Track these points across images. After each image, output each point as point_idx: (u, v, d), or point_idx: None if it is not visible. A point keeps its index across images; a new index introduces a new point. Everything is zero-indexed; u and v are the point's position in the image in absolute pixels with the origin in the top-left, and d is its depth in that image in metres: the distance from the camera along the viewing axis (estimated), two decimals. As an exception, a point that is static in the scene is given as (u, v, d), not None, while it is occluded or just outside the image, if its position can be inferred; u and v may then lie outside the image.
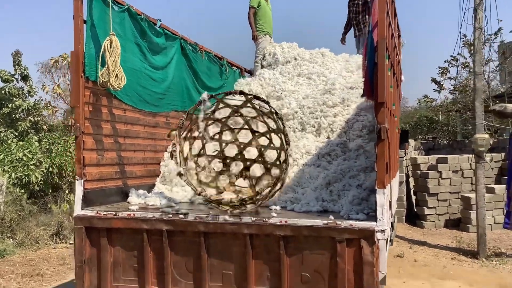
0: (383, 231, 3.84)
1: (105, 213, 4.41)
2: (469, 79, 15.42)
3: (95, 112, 4.83)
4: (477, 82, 8.98)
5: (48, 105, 18.67)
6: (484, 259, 8.53)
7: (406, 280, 7.36)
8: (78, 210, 4.47)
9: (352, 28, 10.28)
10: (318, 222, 4.00)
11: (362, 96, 4.68)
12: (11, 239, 9.51)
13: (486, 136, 8.94)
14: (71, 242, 9.91)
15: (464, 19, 9.09)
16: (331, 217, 4.12)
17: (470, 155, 11.36)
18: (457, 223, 11.30)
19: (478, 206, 8.90)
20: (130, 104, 5.35)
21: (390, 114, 4.34)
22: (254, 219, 4.13)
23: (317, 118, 6.57)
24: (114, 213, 4.40)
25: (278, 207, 4.81)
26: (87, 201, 4.58)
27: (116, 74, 4.72)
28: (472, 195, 10.38)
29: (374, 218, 3.94)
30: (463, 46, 13.60)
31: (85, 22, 4.70)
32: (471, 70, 13.64)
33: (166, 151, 6.14)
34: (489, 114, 12.54)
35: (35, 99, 17.90)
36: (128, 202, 5.11)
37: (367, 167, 5.38)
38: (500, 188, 10.93)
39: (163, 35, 6.00)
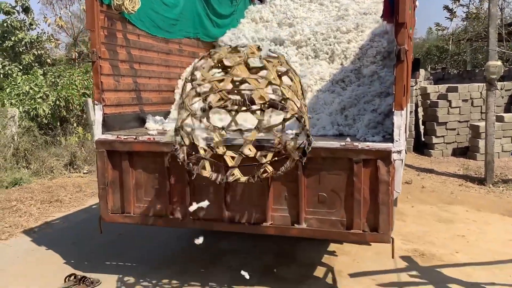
0: (399, 152, 3.91)
1: (125, 137, 4.49)
2: (480, 8, 15.02)
3: (110, 37, 4.79)
4: (491, 8, 8.77)
5: (51, 38, 18.46)
6: (491, 185, 8.71)
7: (414, 204, 7.57)
8: (99, 134, 4.55)
9: None
10: (335, 144, 4.07)
11: (381, 17, 4.60)
12: (26, 169, 9.73)
13: (499, 63, 8.85)
14: (85, 171, 10.15)
15: None
16: (348, 139, 4.19)
17: (481, 84, 11.30)
18: (464, 152, 11.43)
19: (488, 134, 8.96)
20: (143, 30, 5.30)
21: (408, 36, 4.29)
22: (272, 142, 4.19)
23: (330, 45, 6.50)
24: (134, 137, 4.48)
25: (294, 131, 4.86)
26: (106, 126, 4.65)
27: (130, -3, 4.65)
28: (481, 124, 10.42)
29: (390, 140, 4.00)
30: (478, -29, 13.13)
31: None
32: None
33: (180, 78, 6.15)
34: (502, 43, 12.35)
35: (38, 32, 17.69)
36: (146, 128, 5.19)
37: (381, 92, 5.39)
38: (510, 117, 10.97)
39: (174, -41, 5.84)
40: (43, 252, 5.57)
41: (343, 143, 4.03)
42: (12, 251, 5.63)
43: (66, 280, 4.65)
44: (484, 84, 9.26)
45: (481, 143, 10.41)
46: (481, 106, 11.41)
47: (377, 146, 3.96)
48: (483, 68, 13.05)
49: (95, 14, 4.48)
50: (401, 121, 3.92)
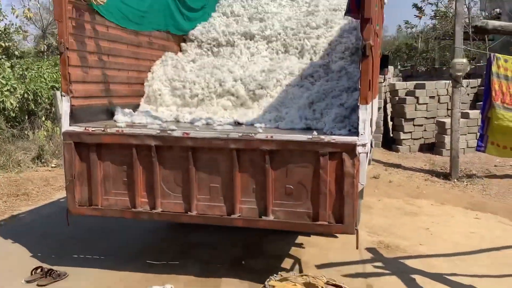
0: (364, 145, 4.00)
1: (93, 129, 4.47)
2: (448, 7, 15.33)
3: (79, 28, 4.75)
4: (458, 6, 8.98)
5: (19, 30, 18.04)
6: (455, 180, 8.95)
7: (381, 198, 7.73)
8: (66, 126, 4.50)
9: None
10: (302, 137, 4.14)
11: (345, 13, 4.69)
12: (-8, 162, 9.54)
13: (464, 60, 9.08)
14: (53, 165, 10.01)
15: None
16: (315, 132, 4.27)
17: (447, 81, 11.55)
18: (431, 147, 11.68)
19: (453, 130, 9.20)
20: (112, 21, 5.26)
21: (375, 32, 4.38)
22: (241, 134, 4.24)
23: (300, 40, 6.59)
24: (102, 129, 4.46)
25: (262, 125, 4.93)
26: (74, 118, 4.61)
27: (99, -11, 4.61)
28: (447, 120, 10.68)
29: (355, 133, 4.09)
30: (446, -29, 13.39)
31: None
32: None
33: (150, 71, 6.14)
34: (468, 42, 12.66)
35: (5, 23, 17.25)
36: (115, 121, 5.17)
37: (349, 87, 5.50)
38: (475, 113, 11.26)
39: (144, -49, 5.80)
40: (10, 246, 5.49)
41: (310, 136, 4.11)
42: (-23, 245, 5.54)
43: (33, 273, 4.62)
44: (451, 81, 9.49)
45: (447, 139, 10.67)
46: (447, 103, 11.68)
47: (342, 140, 4.05)
48: (449, 66, 13.32)
49: (63, 4, 4.43)
50: (366, 115, 4.02)
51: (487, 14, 14.31)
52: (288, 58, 6.42)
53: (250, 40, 6.82)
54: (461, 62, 8.92)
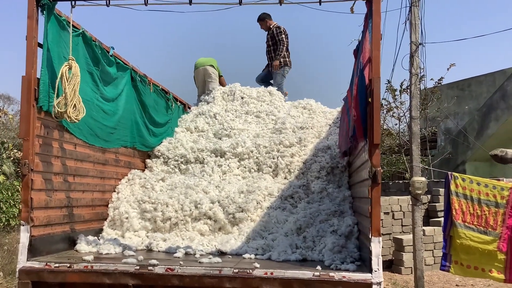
0: (379, 284, 3.56)
1: (57, 265, 3.75)
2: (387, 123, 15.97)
3: (45, 147, 4.18)
4: (413, 126, 9.18)
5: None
6: (424, 303, 8.56)
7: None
8: (23, 262, 3.76)
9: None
10: (308, 274, 3.65)
11: (351, 137, 4.45)
12: None
13: (423, 179, 9.10)
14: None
15: (401, 65, 9.37)
16: (319, 267, 3.80)
17: (400, 197, 11.61)
18: (389, 265, 11.36)
19: (416, 249, 8.94)
20: (81, 139, 4.74)
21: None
22: (236, 270, 3.69)
23: (274, 158, 6.30)
24: (68, 265, 3.75)
25: (252, 256, 4.40)
26: (32, 251, 3.88)
27: (74, 104, 4.13)
28: (404, 237, 10.52)
29: (366, 268, 3.68)
30: (387, 91, 14.08)
31: (39, 45, 4.12)
32: (394, 114, 14.23)
33: (115, 191, 5.54)
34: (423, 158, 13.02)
35: None
36: (76, 250, 4.46)
37: (335, 211, 5.19)
38: (430, 230, 11.22)
39: (115, 64, 5.48)
40: None
41: (317, 273, 3.63)
42: None
43: None
44: (409, 197, 9.47)
45: (405, 256, 10.42)
46: (401, 219, 11.62)
47: (354, 277, 3.60)
48: (396, 181, 13.55)
49: (31, 121, 3.91)
50: (379, 248, 3.62)
51: (427, 133, 14.98)
52: (262, 177, 6.07)
53: (221, 157, 6.45)
54: (420, 180, 8.94)
